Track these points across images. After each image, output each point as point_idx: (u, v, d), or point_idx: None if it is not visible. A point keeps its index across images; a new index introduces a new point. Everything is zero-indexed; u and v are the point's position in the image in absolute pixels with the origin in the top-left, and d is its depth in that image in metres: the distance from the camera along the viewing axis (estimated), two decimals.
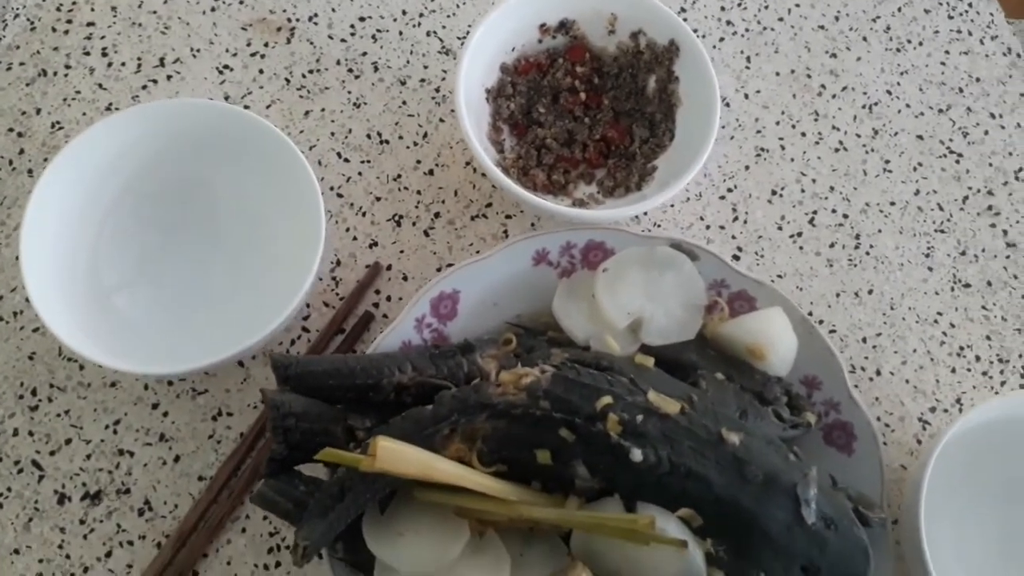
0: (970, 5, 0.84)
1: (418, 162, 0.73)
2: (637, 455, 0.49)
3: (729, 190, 0.75)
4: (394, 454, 0.49)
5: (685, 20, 0.78)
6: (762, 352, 0.60)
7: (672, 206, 0.73)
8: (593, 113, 0.72)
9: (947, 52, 0.82)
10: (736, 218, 0.74)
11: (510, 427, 0.52)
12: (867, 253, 0.73)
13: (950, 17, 0.83)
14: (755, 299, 0.64)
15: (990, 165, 0.77)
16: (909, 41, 0.82)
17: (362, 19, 0.78)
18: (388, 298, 0.69)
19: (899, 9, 0.83)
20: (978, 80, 0.81)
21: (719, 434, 0.51)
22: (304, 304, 0.64)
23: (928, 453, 0.60)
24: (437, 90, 0.75)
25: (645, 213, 0.72)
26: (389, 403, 0.57)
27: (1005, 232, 0.75)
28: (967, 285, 0.73)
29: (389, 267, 0.70)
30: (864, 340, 0.71)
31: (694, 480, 0.49)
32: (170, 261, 0.66)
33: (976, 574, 0.62)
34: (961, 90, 0.80)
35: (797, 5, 0.82)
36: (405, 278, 0.70)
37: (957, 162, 0.77)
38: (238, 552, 0.62)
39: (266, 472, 0.54)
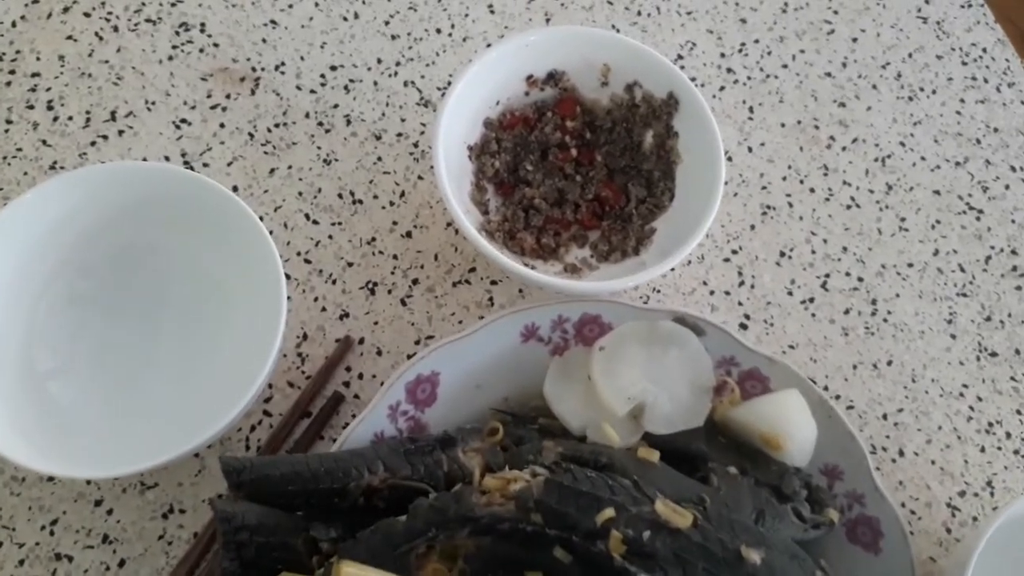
0: (984, 51, 0.79)
1: (394, 224, 0.67)
2: None
3: (734, 251, 0.69)
4: None
5: (682, 68, 0.72)
6: (778, 442, 0.54)
7: (673, 270, 0.67)
8: (585, 171, 0.66)
9: (962, 101, 0.76)
10: (742, 282, 0.68)
11: (496, 545, 0.45)
12: (885, 320, 0.67)
13: (964, 63, 0.78)
14: (768, 378, 0.58)
15: (1013, 222, 0.72)
16: (922, 89, 0.76)
17: (333, 68, 0.72)
18: (360, 375, 0.63)
19: (909, 55, 0.78)
20: (996, 130, 0.75)
21: (737, 551, 0.44)
22: (266, 386, 0.57)
23: (968, 551, 0.53)
24: (415, 145, 0.69)
25: (641, 289, 0.66)
26: (357, 509, 0.50)
27: None
28: (994, 354, 0.67)
29: (362, 340, 0.63)
30: (885, 417, 0.65)
31: None
32: (114, 342, 0.59)
33: None
34: (979, 141, 0.75)
35: (802, 51, 0.77)
36: (379, 352, 0.63)
37: (977, 219, 0.72)
38: None
39: None
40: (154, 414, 0.57)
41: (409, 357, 0.62)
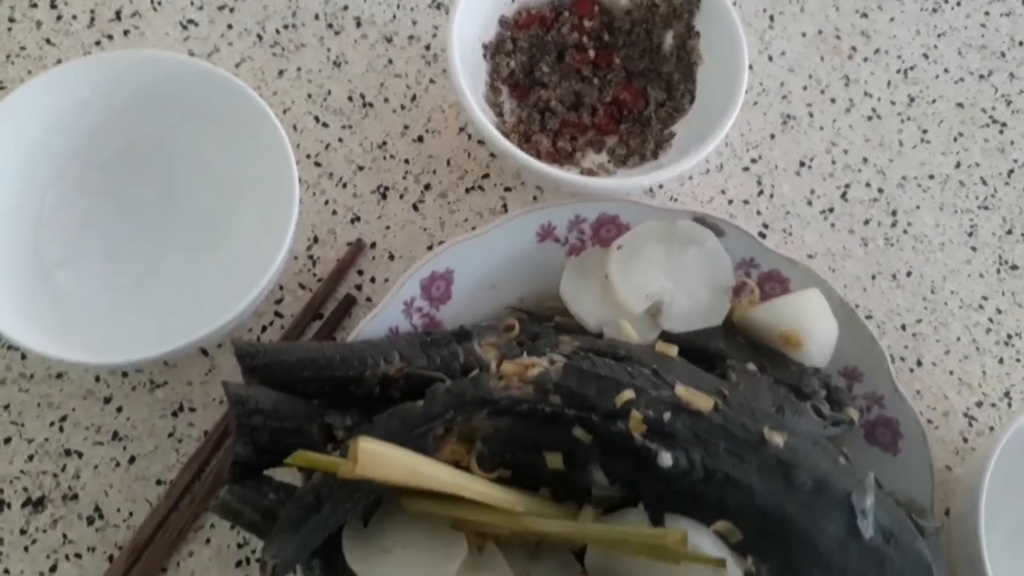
0: None
1: (406, 128, 0.65)
2: (666, 459, 0.42)
3: (753, 160, 0.67)
4: (378, 458, 0.41)
5: None
6: (798, 339, 0.53)
7: (691, 178, 0.66)
8: (603, 73, 0.64)
9: (987, 13, 0.74)
10: (761, 192, 0.66)
11: (515, 426, 0.45)
12: (904, 231, 0.66)
13: None
14: (788, 280, 0.57)
15: None
16: (946, 0, 0.74)
17: None
18: (372, 279, 0.62)
19: None
20: (1021, 44, 0.73)
21: (760, 434, 0.44)
22: (276, 285, 0.57)
23: (985, 457, 0.53)
24: (427, 48, 0.67)
25: (660, 186, 0.65)
26: (373, 398, 0.49)
27: None
28: (1014, 267, 0.66)
29: (373, 245, 0.62)
30: (903, 327, 0.64)
31: (732, 488, 0.42)
32: (123, 235, 0.57)
33: None
34: (1003, 54, 0.73)
35: None
36: (391, 257, 0.62)
37: (1001, 132, 0.70)
38: (202, 566, 0.55)
39: (229, 477, 0.47)
40: (162, 308, 0.56)
41: None
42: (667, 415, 0.44)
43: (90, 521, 0.55)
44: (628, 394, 0.44)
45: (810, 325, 0.53)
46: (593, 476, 0.44)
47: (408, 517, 0.46)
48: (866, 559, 0.42)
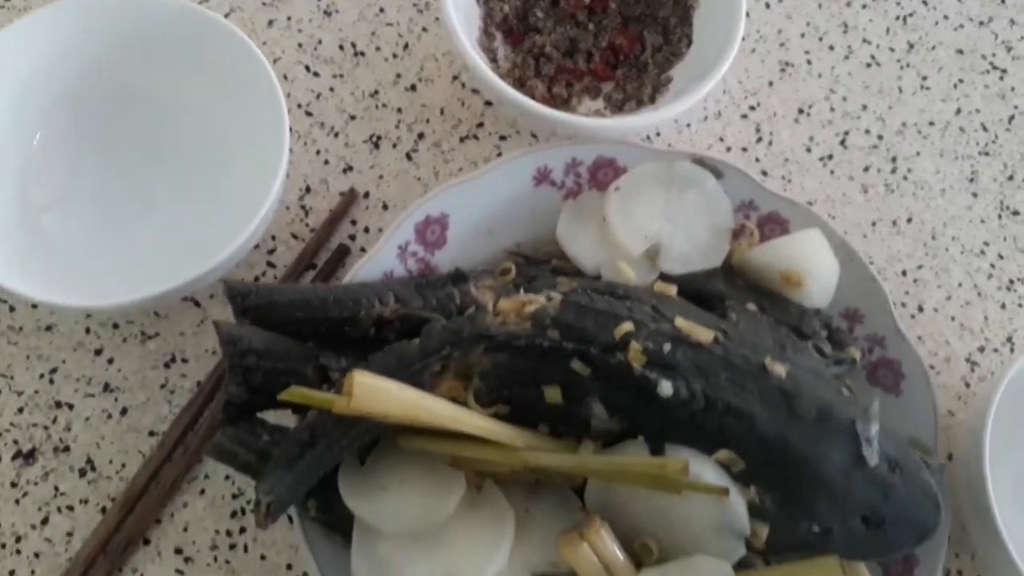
0: None
1: (398, 76, 0.64)
2: (666, 388, 0.41)
3: (751, 108, 0.66)
4: (374, 392, 0.41)
5: None
6: (799, 279, 0.52)
7: (688, 126, 0.65)
8: (598, 18, 0.63)
9: None
10: (760, 139, 0.65)
11: (512, 361, 0.44)
12: (905, 178, 0.66)
13: None
14: (788, 222, 0.56)
15: None
16: None
17: None
18: (366, 229, 0.61)
19: None
20: None
21: (761, 365, 0.43)
22: (268, 235, 0.56)
23: (987, 398, 0.52)
24: None
25: (658, 134, 0.64)
26: (368, 340, 0.48)
27: None
28: (1016, 212, 0.65)
29: (366, 194, 0.61)
30: (904, 273, 0.63)
31: (734, 417, 0.41)
32: (111, 180, 0.57)
33: None
34: (1003, 1, 0.72)
35: None
36: (385, 207, 0.61)
37: (1001, 79, 0.69)
38: (196, 516, 0.54)
39: (223, 418, 0.46)
40: (151, 255, 0.55)
41: None
42: (667, 347, 0.43)
43: (82, 473, 0.54)
44: (627, 326, 0.43)
45: (810, 264, 0.52)
46: (592, 409, 0.43)
47: (405, 456, 0.45)
48: (871, 487, 0.41)
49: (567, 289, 0.48)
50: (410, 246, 0.53)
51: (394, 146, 0.63)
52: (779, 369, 0.43)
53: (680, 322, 0.44)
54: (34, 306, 0.57)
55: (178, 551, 0.53)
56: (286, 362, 0.46)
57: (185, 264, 0.50)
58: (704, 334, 0.44)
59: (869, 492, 0.41)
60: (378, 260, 0.52)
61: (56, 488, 0.54)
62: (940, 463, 0.48)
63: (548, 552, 0.43)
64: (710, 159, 0.56)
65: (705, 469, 0.41)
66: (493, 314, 0.46)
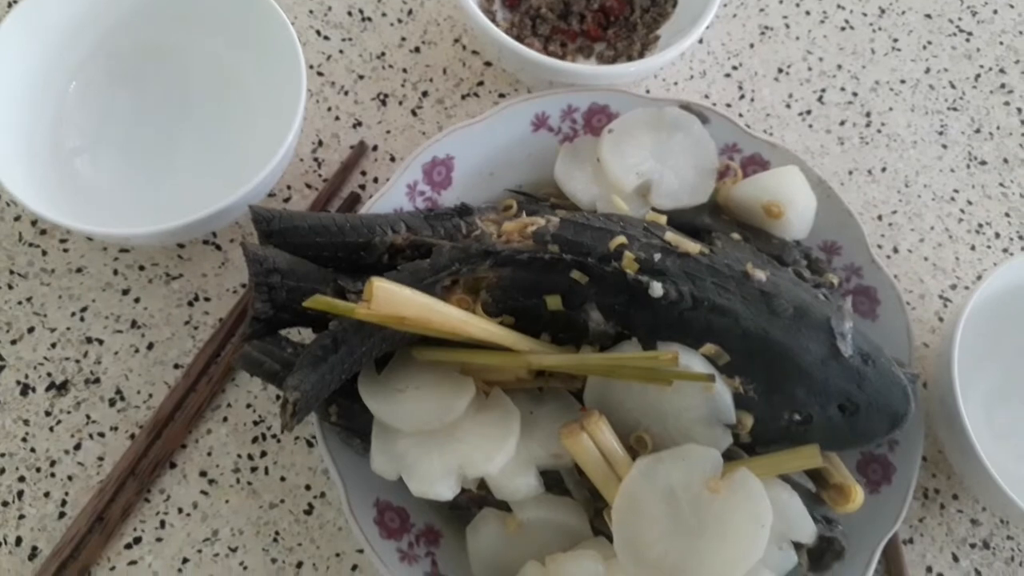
0: None
1: (403, 39, 0.68)
2: (657, 289, 0.45)
3: (734, 67, 0.71)
4: (391, 295, 0.44)
5: None
6: (780, 209, 0.56)
7: (676, 84, 0.69)
8: None
9: None
10: (743, 96, 0.70)
11: (516, 274, 0.48)
12: (878, 131, 0.70)
13: None
14: (769, 163, 0.60)
15: (1001, 44, 0.74)
16: None
17: None
18: (375, 180, 0.65)
19: None
20: None
21: (743, 271, 0.47)
22: (283, 169, 0.59)
23: (953, 322, 0.56)
24: None
25: (647, 92, 0.68)
26: (382, 266, 0.52)
27: (1020, 110, 0.72)
28: (983, 162, 0.70)
29: (375, 148, 0.65)
30: (880, 218, 0.67)
31: (719, 314, 0.45)
32: (138, 127, 0.61)
33: (1012, 447, 0.59)
34: None
35: None
36: (392, 159, 0.65)
37: (967, 41, 0.74)
38: (219, 442, 0.57)
39: (249, 333, 0.49)
40: (174, 197, 0.59)
41: None
42: (657, 256, 0.47)
43: (111, 403, 0.58)
44: (621, 239, 0.47)
45: (790, 196, 0.56)
46: (590, 314, 0.47)
47: (420, 366, 0.49)
48: (846, 377, 0.45)
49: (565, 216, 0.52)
50: (418, 185, 0.57)
51: (400, 103, 0.67)
52: (760, 274, 0.47)
53: (669, 235, 0.48)
54: (65, 250, 0.61)
55: (202, 474, 0.57)
56: (307, 282, 0.50)
57: (206, 203, 0.54)
58: (692, 246, 0.48)
59: (844, 381, 0.45)
60: (389, 198, 0.56)
61: (88, 416, 0.57)
62: (914, 372, 0.52)
63: (551, 446, 0.47)
64: (696, 105, 0.60)
65: (693, 362, 0.45)
66: (498, 235, 0.50)
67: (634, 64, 0.60)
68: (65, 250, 0.61)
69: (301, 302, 0.49)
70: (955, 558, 0.59)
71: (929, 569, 0.58)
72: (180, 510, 0.56)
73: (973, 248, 0.67)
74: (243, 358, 0.48)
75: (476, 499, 0.50)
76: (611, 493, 0.46)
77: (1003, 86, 0.73)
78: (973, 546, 0.59)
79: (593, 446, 0.45)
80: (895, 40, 0.73)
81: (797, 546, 0.48)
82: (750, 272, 0.47)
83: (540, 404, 0.49)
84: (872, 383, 0.46)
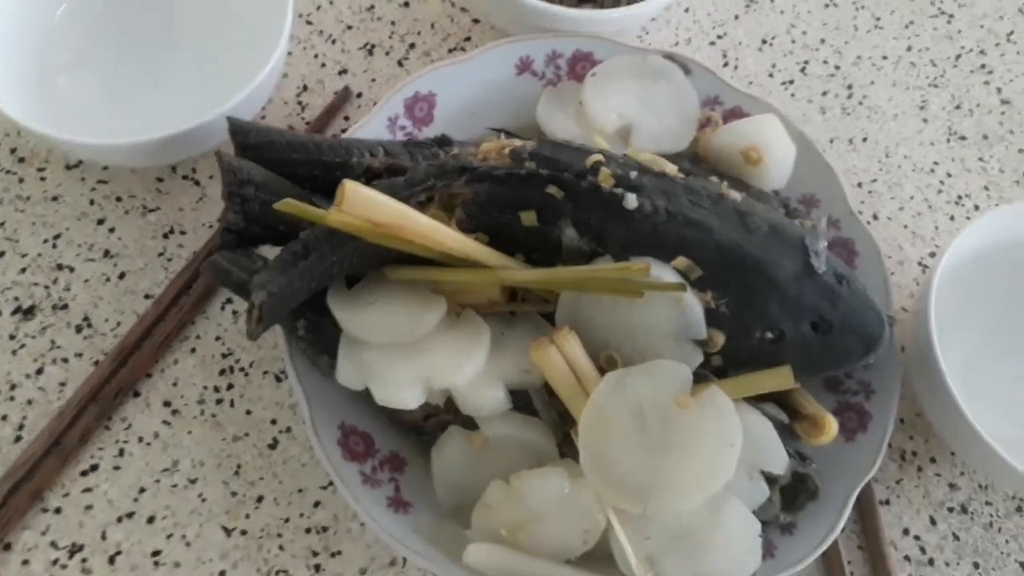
0: None
1: None
2: (632, 201, 0.45)
3: (719, 36, 0.72)
4: (363, 198, 0.44)
5: None
6: (759, 155, 0.56)
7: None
8: None
9: None
10: (727, 64, 0.71)
11: (492, 189, 0.47)
12: (860, 103, 0.71)
13: None
14: (750, 115, 0.60)
15: (981, 27, 0.75)
16: None
17: None
18: None
19: None
20: None
21: (719, 192, 0.47)
22: (263, 97, 0.59)
23: (928, 280, 0.55)
24: None
25: (639, 38, 0.69)
26: None
27: (999, 89, 0.73)
28: (963, 137, 0.70)
29: (360, 95, 0.66)
30: (860, 185, 0.68)
31: (693, 228, 0.45)
32: (123, 54, 0.61)
33: (991, 406, 0.58)
34: None
35: None
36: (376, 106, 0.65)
37: (948, 23, 0.75)
38: (186, 373, 0.56)
39: (219, 243, 0.49)
40: (155, 123, 0.57)
41: None
42: (633, 174, 0.47)
43: (78, 329, 0.57)
44: (598, 156, 0.47)
45: (769, 142, 0.56)
46: (564, 231, 0.46)
47: (392, 284, 0.48)
48: (820, 293, 0.45)
49: None
50: (399, 120, 0.57)
51: (387, 54, 0.67)
52: (734, 194, 0.47)
53: (644, 157, 0.48)
54: (42, 179, 0.60)
55: (166, 404, 0.56)
56: (281, 197, 0.49)
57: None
58: (669, 166, 0.48)
59: (818, 298, 0.45)
60: (368, 130, 0.56)
61: (52, 342, 0.56)
62: (890, 315, 0.51)
63: (521, 362, 0.46)
64: (679, 56, 0.60)
65: (665, 274, 0.44)
66: (475, 154, 0.49)
67: (620, 9, 0.61)
68: (42, 179, 0.60)
69: (274, 217, 0.49)
70: (932, 521, 0.58)
71: (906, 531, 0.57)
72: (140, 439, 0.54)
73: (952, 218, 0.67)
74: (211, 266, 0.48)
75: (442, 424, 0.49)
76: (579, 410, 0.45)
77: (983, 67, 0.73)
78: (951, 510, 0.58)
79: (562, 360, 0.45)
80: (878, 19, 0.74)
81: (770, 481, 0.47)
82: (725, 192, 0.47)
83: (512, 327, 0.48)
84: (846, 302, 0.45)
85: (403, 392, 0.44)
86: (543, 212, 0.47)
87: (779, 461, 0.46)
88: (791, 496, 0.49)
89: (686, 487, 0.43)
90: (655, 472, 0.43)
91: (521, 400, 0.47)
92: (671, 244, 0.45)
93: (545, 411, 0.47)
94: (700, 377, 0.45)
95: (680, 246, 0.45)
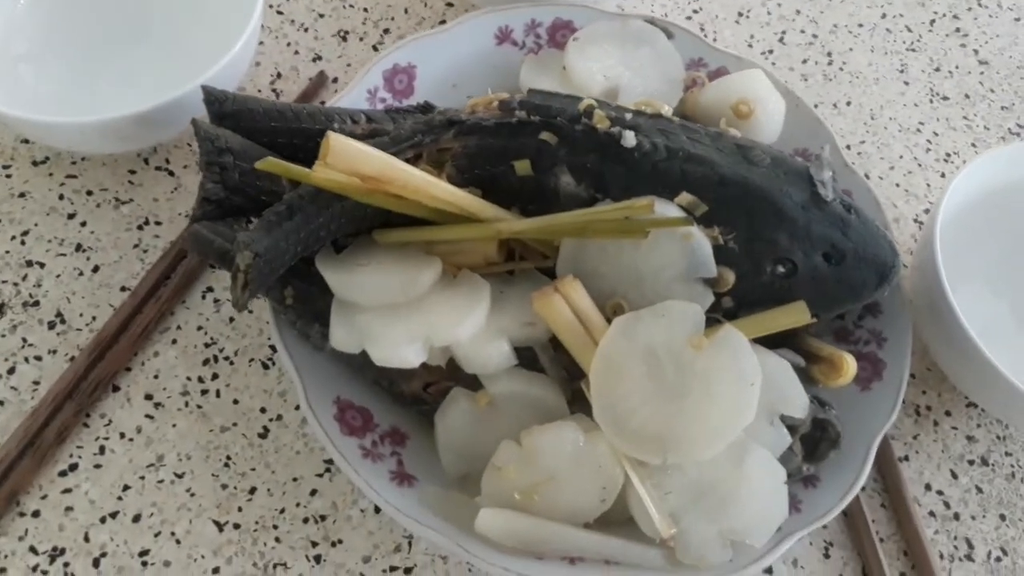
0: None
1: None
2: (630, 139, 0.43)
3: (695, 11, 0.71)
4: (348, 149, 0.42)
5: None
6: (749, 107, 0.55)
7: None
8: None
9: None
10: (705, 36, 0.70)
11: (482, 141, 0.46)
12: (841, 69, 0.70)
13: None
14: None
15: None
16: None
17: None
18: None
19: None
20: None
21: (717, 131, 0.46)
22: (236, 76, 0.57)
23: (933, 215, 0.54)
24: None
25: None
26: None
27: (976, 51, 0.73)
28: (945, 98, 0.70)
29: (335, 79, 0.64)
30: (848, 147, 0.67)
31: (695, 163, 0.43)
32: (90, 42, 0.59)
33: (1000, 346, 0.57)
34: None
35: None
36: None
37: None
38: (167, 364, 0.53)
39: (199, 215, 0.46)
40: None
41: None
42: (628, 115, 0.45)
43: (51, 326, 0.54)
44: (590, 101, 0.46)
45: (759, 94, 0.55)
46: (560, 178, 0.45)
47: (383, 247, 0.46)
48: (830, 222, 0.43)
49: None
50: (379, 92, 0.56)
51: (361, 39, 0.66)
52: (734, 132, 0.45)
53: (638, 103, 0.47)
54: (8, 176, 0.58)
55: (148, 397, 0.52)
56: None
57: None
58: (664, 108, 0.46)
59: (828, 227, 0.43)
60: (348, 102, 0.55)
61: (24, 340, 0.53)
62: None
63: (524, 316, 0.44)
64: (660, 20, 0.60)
65: (669, 211, 0.43)
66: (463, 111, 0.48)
67: None
68: (8, 176, 0.58)
69: (253, 186, 0.47)
70: (954, 475, 0.56)
71: (928, 486, 0.55)
72: (122, 435, 0.51)
73: (943, 175, 0.67)
74: (192, 236, 0.45)
75: (443, 391, 0.46)
76: (588, 360, 0.42)
77: (958, 30, 0.74)
78: (971, 463, 0.56)
79: (568, 309, 0.43)
80: None
81: (791, 430, 0.45)
82: (723, 129, 0.45)
83: (511, 284, 0.46)
84: (857, 231, 0.44)
85: (402, 349, 0.42)
86: (537, 160, 0.45)
87: (800, 403, 0.44)
88: (813, 445, 0.47)
89: (707, 433, 0.41)
90: (673, 419, 0.41)
91: (526, 359, 0.45)
92: (673, 182, 0.43)
93: (552, 368, 0.45)
94: (712, 322, 0.43)
95: (683, 183, 0.43)
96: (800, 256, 0.43)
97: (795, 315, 0.43)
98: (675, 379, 0.42)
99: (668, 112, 0.46)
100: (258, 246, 0.42)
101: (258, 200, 0.47)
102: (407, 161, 0.46)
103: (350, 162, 0.42)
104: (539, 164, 0.45)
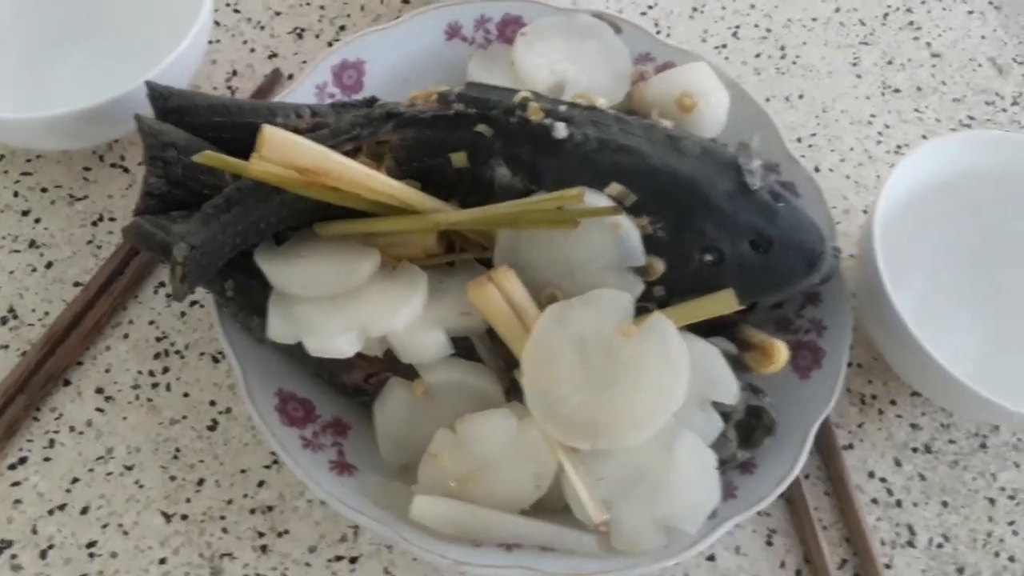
0: None
1: None
2: (561, 130, 0.44)
3: (649, 7, 0.72)
4: (285, 142, 0.43)
5: None
6: (692, 100, 0.55)
7: None
8: None
9: None
10: (659, 31, 0.71)
11: (420, 133, 0.46)
12: (793, 63, 0.71)
13: None
14: None
15: None
16: None
17: None
18: None
19: None
20: None
21: (650, 123, 0.46)
22: (188, 70, 0.57)
23: (872, 210, 0.55)
24: None
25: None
26: None
27: (929, 44, 0.74)
28: (897, 90, 0.71)
29: (291, 76, 0.65)
30: (799, 140, 0.68)
31: (625, 154, 0.44)
32: (41, 41, 0.60)
33: (944, 344, 0.58)
34: None
35: None
36: None
37: None
38: (119, 359, 0.54)
39: (141, 208, 0.47)
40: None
41: None
42: (563, 107, 0.46)
43: (3, 321, 0.54)
44: (526, 93, 0.47)
45: (702, 87, 0.56)
46: (496, 170, 0.45)
47: (323, 240, 0.47)
48: (756, 210, 0.44)
49: None
50: (328, 87, 0.56)
51: (317, 36, 0.67)
52: (665, 123, 0.46)
53: (575, 95, 0.48)
54: None
55: (99, 391, 0.53)
56: None
57: None
58: (599, 100, 0.47)
59: (754, 215, 0.44)
60: (296, 98, 0.55)
61: None
62: (836, 246, 0.51)
63: (460, 305, 0.45)
64: (608, 15, 0.60)
65: (599, 201, 0.43)
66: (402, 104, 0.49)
67: None
68: None
69: (198, 181, 0.48)
70: (897, 462, 0.56)
71: (871, 474, 0.56)
72: (72, 428, 0.52)
73: (893, 167, 0.67)
74: (133, 229, 0.46)
75: (384, 382, 0.47)
76: (521, 348, 0.43)
77: (911, 23, 0.75)
78: (915, 450, 0.57)
79: (501, 299, 0.43)
80: None
81: (725, 417, 0.46)
82: (655, 120, 0.46)
83: (450, 276, 0.47)
84: (784, 219, 0.44)
85: (337, 339, 0.42)
86: (473, 152, 0.46)
87: (729, 389, 0.45)
88: (748, 432, 0.47)
89: (636, 419, 0.42)
90: (603, 406, 0.42)
91: (464, 349, 0.46)
92: (604, 172, 0.44)
93: (489, 358, 0.45)
94: (644, 310, 0.44)
95: (613, 173, 0.44)
96: (727, 244, 0.44)
97: (723, 302, 0.43)
98: (605, 366, 0.42)
99: (603, 105, 0.47)
100: (194, 238, 0.43)
101: (201, 194, 0.48)
102: (346, 154, 0.46)
103: (286, 155, 0.43)
104: (475, 156, 0.46)
